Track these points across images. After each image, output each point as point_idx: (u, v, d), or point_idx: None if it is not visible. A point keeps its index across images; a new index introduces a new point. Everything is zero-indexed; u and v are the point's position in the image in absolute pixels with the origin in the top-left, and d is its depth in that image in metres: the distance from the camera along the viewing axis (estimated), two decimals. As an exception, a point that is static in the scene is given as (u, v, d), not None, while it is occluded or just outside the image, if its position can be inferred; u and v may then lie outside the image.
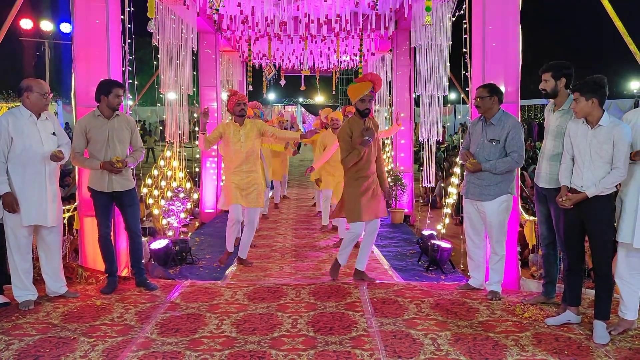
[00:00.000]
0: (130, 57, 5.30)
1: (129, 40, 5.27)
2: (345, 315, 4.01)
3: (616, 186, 3.67)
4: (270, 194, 8.93)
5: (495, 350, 3.40)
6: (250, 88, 10.25)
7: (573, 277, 3.85)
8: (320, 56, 11.47)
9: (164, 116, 7.59)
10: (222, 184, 7.33)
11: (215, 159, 8.94)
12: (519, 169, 4.71)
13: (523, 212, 5.11)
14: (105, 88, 4.47)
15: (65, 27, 18.90)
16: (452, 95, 22.79)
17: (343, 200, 4.98)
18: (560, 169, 3.84)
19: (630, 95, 27.57)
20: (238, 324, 3.86)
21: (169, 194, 7.14)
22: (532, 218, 5.00)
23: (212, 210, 8.89)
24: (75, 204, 5.10)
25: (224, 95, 10.68)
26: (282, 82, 11.55)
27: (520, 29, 4.89)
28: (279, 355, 3.34)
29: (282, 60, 11.82)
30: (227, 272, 5.56)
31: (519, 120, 4.58)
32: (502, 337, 3.60)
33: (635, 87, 28.24)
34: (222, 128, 5.61)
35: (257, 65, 11.87)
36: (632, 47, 4.72)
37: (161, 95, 7.12)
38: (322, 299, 4.39)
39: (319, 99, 20.68)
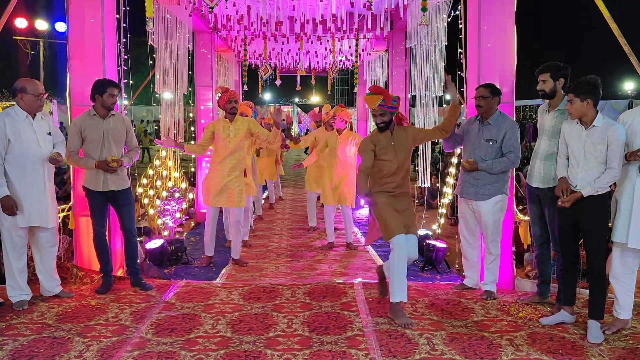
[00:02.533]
0: (126, 57, 5.28)
1: (124, 40, 5.26)
2: (340, 315, 4.01)
3: (610, 186, 3.69)
4: (265, 195, 8.92)
5: (490, 349, 3.41)
6: (246, 88, 10.24)
7: (567, 277, 3.87)
8: (316, 56, 11.48)
9: (160, 116, 7.57)
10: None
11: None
12: (514, 169, 4.73)
13: (518, 212, 5.12)
14: (100, 87, 4.46)
15: (60, 27, 18.84)
16: (448, 96, 22.85)
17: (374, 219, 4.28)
18: (557, 165, 3.87)
19: (624, 96, 27.70)
20: (233, 323, 3.86)
21: (165, 193, 7.12)
22: (526, 218, 5.01)
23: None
24: (70, 203, 5.08)
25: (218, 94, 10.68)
26: (278, 82, 11.54)
27: (515, 30, 4.91)
28: (274, 355, 3.34)
29: (278, 60, 11.82)
30: (222, 272, 5.56)
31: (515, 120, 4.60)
32: (497, 336, 3.61)
33: (630, 88, 28.37)
34: (212, 126, 5.61)
35: (252, 65, 11.86)
36: (626, 48, 4.74)
37: (156, 95, 7.10)
38: (318, 298, 4.39)
39: (315, 99, 20.73)
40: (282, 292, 4.57)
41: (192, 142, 9.74)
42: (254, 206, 8.28)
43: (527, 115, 27.94)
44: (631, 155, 3.51)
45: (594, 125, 3.60)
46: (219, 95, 5.65)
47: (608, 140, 3.54)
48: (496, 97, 4.38)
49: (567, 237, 3.81)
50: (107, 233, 4.75)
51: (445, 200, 6.96)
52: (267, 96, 30.83)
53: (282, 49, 10.75)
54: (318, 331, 3.71)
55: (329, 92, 12.62)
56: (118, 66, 5.17)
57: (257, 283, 4.90)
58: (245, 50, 9.60)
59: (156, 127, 22.60)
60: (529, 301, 4.27)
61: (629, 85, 28.56)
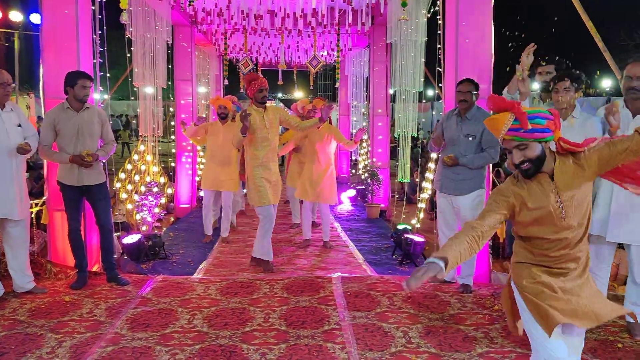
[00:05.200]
0: (102, 49, 5.20)
1: (100, 32, 5.17)
2: (318, 309, 4.01)
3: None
4: (244, 191, 8.86)
5: (465, 342, 3.44)
6: (227, 82, 10.17)
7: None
8: (298, 51, 11.44)
9: (138, 110, 7.48)
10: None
11: (191, 154, 8.85)
12: (494, 164, 4.75)
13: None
14: (71, 80, 4.38)
15: (35, 18, 18.46)
16: (430, 92, 22.95)
17: None
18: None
19: (602, 93, 28.12)
20: (210, 318, 3.84)
21: (143, 188, 7.04)
22: (503, 212, 5.05)
23: (187, 205, 8.81)
24: (44, 198, 5.00)
25: (201, 89, 10.58)
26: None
27: (492, 26, 4.94)
28: (250, 349, 3.33)
29: (259, 55, 11.76)
30: (200, 267, 5.52)
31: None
32: (472, 329, 3.64)
33: (607, 86, 28.82)
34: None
35: (233, 59, 11.77)
36: (601, 44, 4.80)
37: (135, 89, 7.01)
38: (296, 293, 4.39)
39: (298, 94, 20.66)
40: (260, 286, 4.55)
41: (172, 137, 9.67)
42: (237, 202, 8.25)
43: (508, 111, 28.17)
44: None
45: (573, 116, 3.64)
46: (247, 81, 5.28)
47: (587, 131, 3.58)
48: (477, 93, 4.42)
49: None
50: (82, 228, 4.68)
51: (425, 195, 7.00)
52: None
53: (262, 43, 10.69)
54: (295, 325, 3.71)
55: (312, 87, 12.56)
56: (94, 59, 5.09)
57: (235, 278, 4.88)
58: (225, 44, 9.53)
59: (134, 122, 22.33)
60: (505, 294, 4.31)
61: (606, 83, 29.01)
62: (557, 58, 4.15)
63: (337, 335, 3.54)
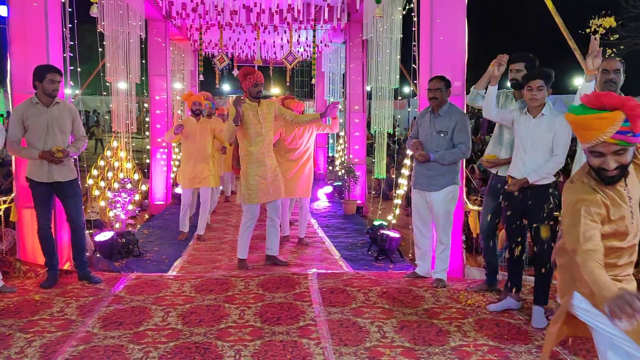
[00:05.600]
0: (72, 43, 5.10)
1: (70, 25, 5.07)
2: (293, 305, 4.01)
3: (557, 178, 3.79)
4: (220, 188, 8.80)
5: (438, 336, 3.47)
6: (202, 78, 10.07)
7: (514, 265, 3.98)
8: (274, 47, 11.39)
9: (111, 106, 7.36)
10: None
11: (166, 150, 8.75)
12: (468, 161, 4.81)
13: (468, 202, 5.23)
14: (39, 74, 4.27)
15: (2, 10, 17.99)
16: (406, 89, 23.10)
17: None
18: (502, 154, 3.95)
19: (574, 90, 28.69)
20: (184, 315, 3.80)
21: (116, 185, 6.94)
22: (476, 208, 5.13)
23: (162, 202, 8.71)
24: (13, 194, 4.88)
25: (176, 85, 10.46)
26: (235, 72, 11.38)
27: (466, 24, 4.99)
28: (225, 346, 3.32)
29: (235, 50, 11.67)
30: (175, 265, 5.47)
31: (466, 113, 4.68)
32: (446, 323, 3.68)
33: (579, 83, 29.43)
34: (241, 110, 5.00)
35: (209, 55, 11.67)
36: (571, 43, 4.89)
37: (107, 84, 6.90)
38: (271, 289, 4.38)
39: (275, 90, 20.61)
40: (235, 283, 4.53)
41: (147, 133, 9.54)
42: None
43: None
44: None
45: (542, 114, 3.69)
46: (242, 75, 5.14)
47: (556, 129, 3.64)
48: (449, 90, 4.45)
49: (514, 225, 3.91)
50: (52, 225, 4.59)
51: (401, 191, 7.05)
52: (225, 87, 30.38)
53: (238, 39, 10.62)
54: (270, 322, 3.70)
55: (288, 83, 12.52)
56: (64, 53, 4.98)
57: (210, 275, 4.84)
58: (201, 39, 9.43)
59: (107, 117, 21.96)
60: (478, 289, 4.37)
61: (578, 81, 29.62)
62: (527, 55, 4.17)
63: (313, 331, 3.54)
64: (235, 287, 4.43)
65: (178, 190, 8.50)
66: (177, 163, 9.83)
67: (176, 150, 10.12)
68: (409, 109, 24.76)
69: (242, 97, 5.03)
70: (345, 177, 8.63)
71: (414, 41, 5.54)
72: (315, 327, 3.61)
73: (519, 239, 3.94)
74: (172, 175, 9.26)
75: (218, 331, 3.54)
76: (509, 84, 4.32)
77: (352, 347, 3.30)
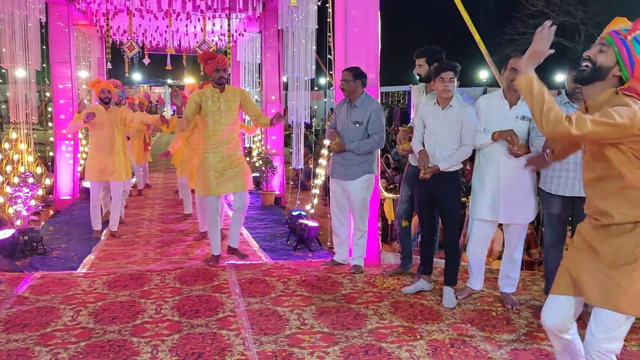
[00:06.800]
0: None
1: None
2: (212, 298, 3.96)
3: (464, 164, 4.00)
4: (133, 180, 8.46)
5: (356, 320, 3.57)
6: (109, 66, 9.60)
7: (426, 248, 4.16)
8: (187, 35, 11.07)
9: (8, 94, 6.84)
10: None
11: (72, 142, 8.27)
12: (383, 151, 4.94)
13: (383, 190, 5.40)
14: None
15: None
16: (323, 80, 23.34)
17: None
18: (413, 141, 4.09)
19: (480, 83, 30.31)
20: (96, 314, 3.64)
21: (16, 179, 6.47)
22: (391, 195, 5.31)
23: (69, 197, 8.24)
24: None
25: (82, 73, 9.89)
26: (146, 60, 10.95)
27: (379, 16, 5.11)
28: (141, 342, 3.22)
29: (146, 38, 11.21)
30: (84, 261, 5.20)
31: (381, 104, 4.81)
32: (363, 307, 3.79)
33: (485, 77, 31.15)
34: (198, 97, 4.74)
35: (117, 42, 11.13)
36: (477, 37, 5.17)
37: (3, 71, 6.39)
38: (189, 283, 4.29)
39: (189, 79, 20.01)
40: (151, 278, 4.40)
41: (50, 124, 8.95)
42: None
43: (396, 100, 29.46)
44: (500, 135, 3.74)
45: (451, 106, 3.87)
46: (204, 60, 4.86)
47: (463, 120, 3.83)
48: (359, 80, 4.51)
49: (426, 211, 4.08)
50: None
51: (319, 181, 7.13)
52: (136, 76, 29.14)
53: (149, 26, 10.21)
54: (188, 315, 3.63)
55: (202, 73, 12.20)
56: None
57: (124, 270, 4.66)
58: (108, 25, 8.97)
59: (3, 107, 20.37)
60: (393, 273, 4.53)
61: (483, 74, 31.35)
62: (429, 50, 4.31)
63: (232, 322, 3.52)
64: (151, 282, 4.30)
65: (86, 184, 8.07)
66: (84, 156, 9.31)
67: (83, 142, 9.60)
68: (325, 100, 25.10)
69: (176, 88, 4.81)
70: (263, 168, 8.59)
71: (329, 32, 5.61)
72: (235, 317, 3.59)
73: (430, 224, 4.13)
74: (80, 169, 8.78)
75: (133, 327, 3.42)
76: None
77: (272, 336, 3.31)
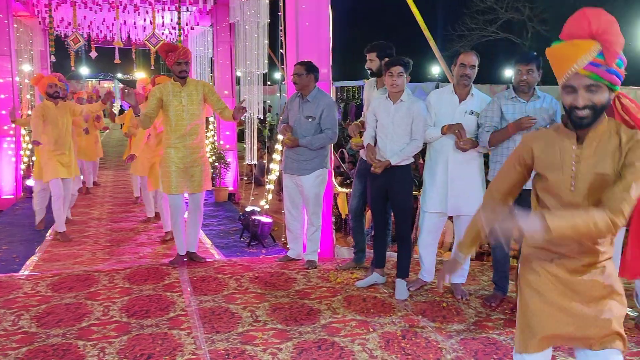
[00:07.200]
0: None
1: None
2: (162, 297, 3.87)
3: (418, 160, 4.05)
4: (82, 178, 8.17)
5: (309, 315, 3.57)
6: (53, 59, 9.21)
7: (378, 242, 4.20)
8: (135, 28, 10.75)
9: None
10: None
11: (14, 139, 7.91)
12: (338, 146, 4.95)
13: (337, 184, 5.41)
14: None
15: None
16: (278, 75, 23.21)
17: None
18: (365, 135, 4.12)
19: (432, 79, 30.89)
20: (39, 317, 3.50)
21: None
22: (344, 190, 5.33)
23: (11, 197, 7.89)
24: None
25: (25, 67, 9.47)
26: (93, 54, 10.59)
27: (330, 11, 5.09)
28: (87, 345, 3.11)
29: (92, 30, 10.83)
30: (27, 263, 4.99)
31: (336, 99, 4.81)
32: (317, 302, 3.79)
33: (436, 72, 31.75)
34: (159, 91, 4.52)
35: (61, 35, 10.71)
36: (427, 33, 5.24)
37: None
38: (139, 282, 4.18)
39: (140, 74, 19.46)
40: (99, 279, 4.26)
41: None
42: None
43: (351, 95, 29.65)
44: (448, 129, 3.81)
45: (402, 100, 3.91)
46: (165, 52, 4.58)
47: (413, 114, 3.87)
48: (311, 75, 4.49)
49: (378, 205, 4.12)
50: None
51: (273, 177, 7.09)
52: (84, 70, 28.14)
53: (95, 18, 9.86)
54: (137, 315, 3.54)
55: (153, 67, 11.92)
56: None
57: (70, 272, 4.50)
58: (50, 17, 8.60)
59: None
60: (347, 267, 4.55)
61: (436, 70, 31.95)
62: (380, 45, 4.34)
63: (183, 321, 3.45)
64: (98, 283, 4.16)
65: (30, 182, 7.75)
66: (27, 153, 8.93)
67: (27, 138, 9.20)
68: (278, 94, 24.98)
69: (126, 88, 4.59)
70: (216, 164, 8.47)
71: (281, 26, 5.56)
72: (186, 317, 3.52)
73: (383, 218, 4.16)
74: (23, 167, 8.41)
75: (79, 330, 3.31)
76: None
77: (224, 334, 3.27)
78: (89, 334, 3.26)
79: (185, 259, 4.75)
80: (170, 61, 4.51)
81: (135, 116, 4.57)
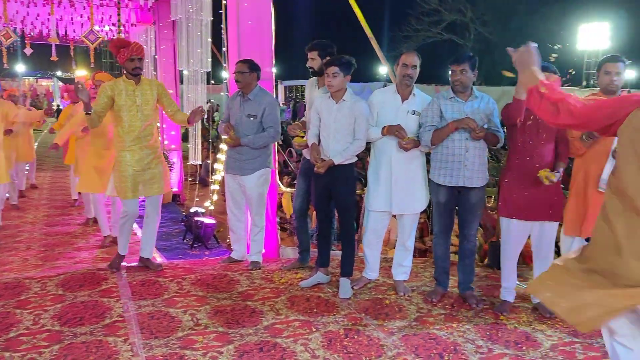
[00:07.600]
0: None
1: None
2: (98, 303, 3.72)
3: (362, 159, 4.07)
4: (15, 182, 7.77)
5: (252, 317, 3.52)
6: (-19, 56, 8.73)
7: (322, 241, 4.19)
8: (73, 24, 10.32)
9: None
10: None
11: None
12: (286, 144, 4.90)
13: (280, 184, 5.38)
14: None
15: None
16: (225, 74, 22.90)
17: None
18: (308, 134, 4.10)
19: (380, 79, 31.33)
20: (-38, 329, 3.29)
21: None
22: (289, 190, 5.30)
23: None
24: None
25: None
26: (28, 50, 10.09)
27: (272, 9, 5.05)
28: (15, 356, 2.95)
29: (25, 26, 10.32)
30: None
31: (286, 98, 4.76)
32: (259, 304, 3.75)
33: (384, 72, 32.26)
34: (110, 89, 4.24)
35: (-8, 30, 10.15)
36: (369, 33, 5.28)
37: None
38: (73, 289, 4.00)
39: (80, 72, 18.73)
40: (30, 286, 4.05)
41: None
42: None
43: (300, 94, 29.65)
44: (388, 130, 3.84)
45: (344, 100, 3.91)
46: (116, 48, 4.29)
47: (356, 114, 3.88)
48: (254, 73, 4.44)
49: (322, 204, 4.11)
50: None
51: (218, 177, 6.97)
52: (19, 67, 26.83)
53: (28, 13, 9.39)
54: (71, 323, 3.39)
55: (92, 65, 11.47)
56: None
57: (-2, 279, 4.26)
58: (-21, 11, 8.13)
59: None
60: (291, 267, 4.53)
61: (383, 70, 32.44)
62: (321, 43, 4.33)
63: (120, 327, 3.33)
64: (29, 290, 3.96)
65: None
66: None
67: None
68: (222, 93, 24.68)
69: (79, 83, 4.29)
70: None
71: (222, 24, 5.47)
72: (123, 322, 3.40)
73: (327, 217, 4.16)
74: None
75: (6, 342, 3.13)
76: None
77: (163, 339, 3.18)
78: (16, 345, 3.09)
79: (124, 262, 4.57)
80: (123, 58, 4.23)
81: (87, 114, 4.29)
